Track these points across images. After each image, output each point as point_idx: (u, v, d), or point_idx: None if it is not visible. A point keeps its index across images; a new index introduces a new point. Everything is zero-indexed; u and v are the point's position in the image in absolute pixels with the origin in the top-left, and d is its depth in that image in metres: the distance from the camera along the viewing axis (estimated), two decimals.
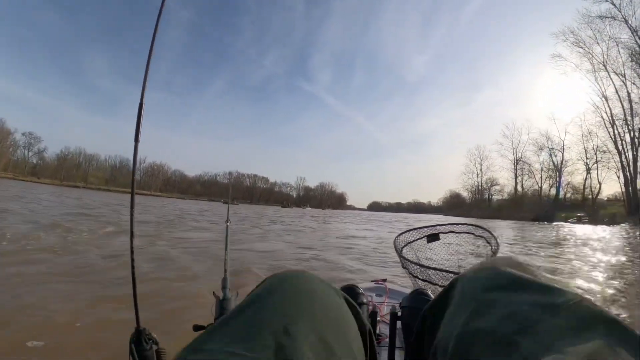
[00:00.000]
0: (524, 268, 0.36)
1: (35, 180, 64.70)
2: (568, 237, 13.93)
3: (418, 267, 1.37)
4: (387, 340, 0.83)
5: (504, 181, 62.48)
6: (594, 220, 31.64)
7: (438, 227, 1.71)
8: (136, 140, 0.85)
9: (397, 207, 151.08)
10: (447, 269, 1.32)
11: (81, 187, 66.15)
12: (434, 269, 1.30)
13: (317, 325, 0.31)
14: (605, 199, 42.61)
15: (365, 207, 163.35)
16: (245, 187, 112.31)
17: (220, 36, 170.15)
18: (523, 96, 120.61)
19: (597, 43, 35.12)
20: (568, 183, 46.65)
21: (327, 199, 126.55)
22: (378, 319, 0.86)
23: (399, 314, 0.85)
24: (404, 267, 1.49)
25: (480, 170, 68.65)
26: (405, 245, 1.68)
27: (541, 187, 51.67)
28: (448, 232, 1.67)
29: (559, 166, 46.92)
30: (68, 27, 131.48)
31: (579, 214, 34.72)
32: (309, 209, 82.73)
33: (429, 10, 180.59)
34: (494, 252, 1.44)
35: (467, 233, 1.66)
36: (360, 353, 0.32)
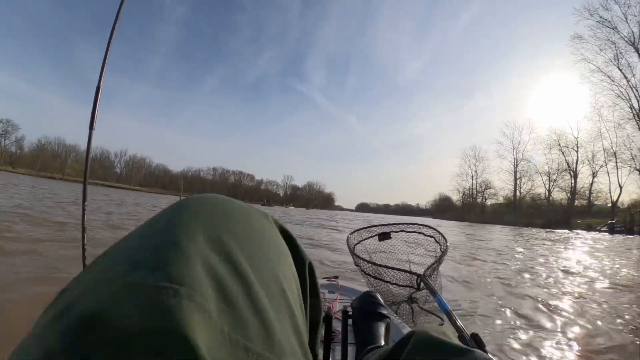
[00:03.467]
0: (446, 335, 0.41)
1: (10, 169, 57.79)
2: None
3: (370, 265, 1.37)
4: (340, 336, 0.87)
5: (500, 184, 56.08)
6: (630, 229, 25.29)
7: (390, 226, 1.67)
8: (91, 127, 0.71)
9: (385, 209, 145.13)
10: (397, 267, 1.33)
11: (58, 179, 58.86)
12: (385, 266, 1.32)
13: (225, 243, 0.23)
14: (608, 204, 36.43)
15: (353, 207, 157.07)
16: (230, 184, 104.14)
17: (215, 33, 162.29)
18: (516, 102, 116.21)
19: (626, 20, 28.71)
20: (576, 186, 40.38)
21: (315, 199, 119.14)
22: (330, 315, 0.92)
23: (350, 313, 0.87)
24: (356, 265, 1.48)
25: (475, 172, 62.11)
26: (357, 243, 1.63)
27: (549, 190, 45.26)
28: (399, 232, 1.64)
29: (574, 166, 40.53)
30: (60, 16, 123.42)
31: (610, 221, 28.00)
32: (292, 208, 74.65)
33: (425, 17, 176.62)
34: (443, 251, 1.44)
35: (417, 232, 1.64)
36: (291, 282, 0.26)
